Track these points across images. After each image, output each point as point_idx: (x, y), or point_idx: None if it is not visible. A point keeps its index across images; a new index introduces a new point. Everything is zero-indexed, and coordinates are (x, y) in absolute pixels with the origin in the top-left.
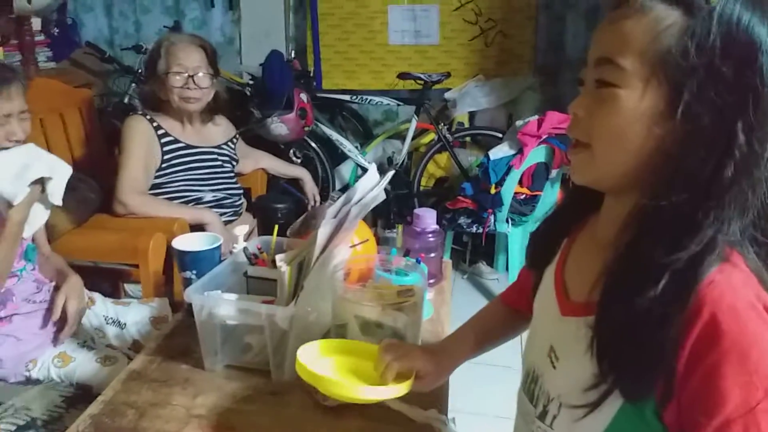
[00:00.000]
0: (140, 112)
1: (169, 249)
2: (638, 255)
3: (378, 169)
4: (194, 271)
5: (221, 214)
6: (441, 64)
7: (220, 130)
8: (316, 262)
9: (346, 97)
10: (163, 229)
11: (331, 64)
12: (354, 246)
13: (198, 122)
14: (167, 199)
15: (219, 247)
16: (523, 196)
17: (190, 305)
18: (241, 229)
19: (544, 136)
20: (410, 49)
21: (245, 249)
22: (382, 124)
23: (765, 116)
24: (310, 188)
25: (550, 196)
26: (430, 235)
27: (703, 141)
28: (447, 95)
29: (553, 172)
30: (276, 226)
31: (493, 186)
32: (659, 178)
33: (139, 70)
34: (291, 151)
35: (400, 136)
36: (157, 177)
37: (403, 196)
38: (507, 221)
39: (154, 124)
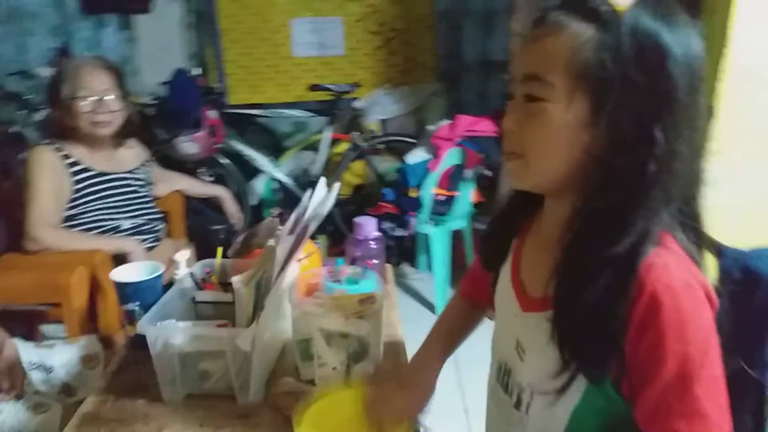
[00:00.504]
0: (45, 142)
1: (93, 283)
2: (581, 253)
3: (295, 181)
4: (137, 303)
5: (142, 241)
6: (348, 75)
7: (133, 153)
8: (276, 280)
9: (257, 112)
10: (84, 262)
11: (236, 78)
12: (300, 260)
13: (109, 147)
14: (83, 230)
15: (161, 275)
16: (442, 197)
17: (133, 338)
18: (182, 255)
19: (457, 140)
20: (316, 61)
21: (192, 274)
22: (292, 136)
23: (679, 117)
24: (230, 206)
25: (466, 195)
26: (372, 242)
27: (626, 144)
28: (357, 104)
29: (468, 173)
30: (220, 248)
31: (413, 189)
32: (591, 181)
33: (27, 97)
34: (199, 170)
35: (313, 147)
36: (69, 208)
37: None
38: (428, 222)
39: (62, 153)
